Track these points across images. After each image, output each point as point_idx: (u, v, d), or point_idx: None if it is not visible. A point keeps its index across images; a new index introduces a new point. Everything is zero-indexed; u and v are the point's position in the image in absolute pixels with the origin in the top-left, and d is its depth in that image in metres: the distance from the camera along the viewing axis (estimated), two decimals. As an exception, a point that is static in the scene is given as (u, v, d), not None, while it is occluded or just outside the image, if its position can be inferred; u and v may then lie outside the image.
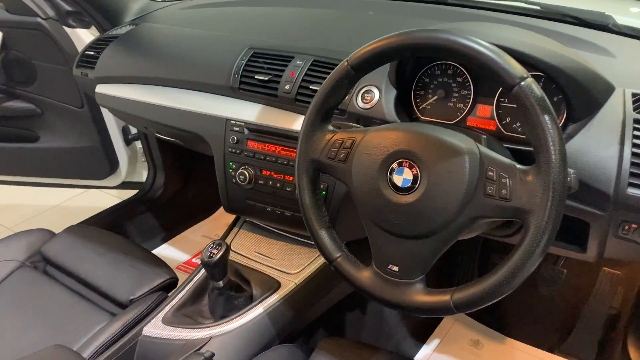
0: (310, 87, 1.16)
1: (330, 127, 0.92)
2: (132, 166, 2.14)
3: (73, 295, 1.29)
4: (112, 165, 2.06)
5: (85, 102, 1.91)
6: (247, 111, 1.26)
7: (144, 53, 1.47)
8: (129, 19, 1.67)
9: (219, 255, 1.11)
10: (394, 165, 0.81)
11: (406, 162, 0.80)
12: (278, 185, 1.23)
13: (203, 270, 1.24)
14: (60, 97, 1.92)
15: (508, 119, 1.01)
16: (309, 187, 0.93)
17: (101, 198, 2.45)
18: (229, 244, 1.29)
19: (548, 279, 1.67)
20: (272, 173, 1.24)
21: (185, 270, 1.87)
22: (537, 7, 1.27)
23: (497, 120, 1.02)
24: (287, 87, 1.19)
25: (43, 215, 2.38)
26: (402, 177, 0.81)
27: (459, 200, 0.76)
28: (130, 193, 2.16)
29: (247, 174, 1.25)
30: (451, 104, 1.07)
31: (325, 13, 1.41)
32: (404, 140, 0.81)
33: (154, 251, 1.98)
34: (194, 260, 1.93)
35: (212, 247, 1.12)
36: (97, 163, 2.04)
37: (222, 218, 2.19)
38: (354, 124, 1.06)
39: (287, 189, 1.22)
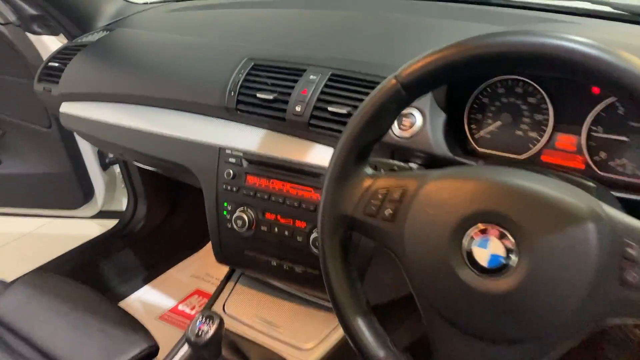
0: (329, 108, 0.90)
1: (369, 171, 0.66)
2: (110, 193, 1.86)
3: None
4: (87, 193, 1.79)
5: (53, 121, 1.63)
6: (247, 138, 1.00)
7: (119, 64, 1.21)
8: (102, 24, 1.40)
9: (210, 334, 0.83)
10: (474, 232, 0.55)
11: (494, 228, 0.54)
12: (286, 233, 0.96)
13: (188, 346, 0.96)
14: (25, 116, 1.65)
15: (603, 155, 0.75)
16: (338, 254, 0.66)
17: (81, 223, 2.15)
18: (222, 304, 1.02)
19: (618, 342, 1.38)
20: (279, 217, 0.97)
21: (170, 321, 1.58)
22: (608, 8, 1.02)
23: (587, 156, 0.76)
24: (298, 109, 0.93)
25: (9, 247, 2.08)
26: (488, 251, 0.54)
27: (583, 293, 0.50)
28: (109, 223, 1.87)
29: (246, 218, 0.98)
30: (520, 132, 0.81)
31: (340, 15, 1.15)
32: (488, 194, 0.55)
33: (134, 295, 1.70)
34: (180, 307, 1.65)
35: (201, 321, 0.85)
36: (69, 191, 1.77)
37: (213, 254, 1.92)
38: (396, 162, 0.79)
39: (298, 239, 0.95)
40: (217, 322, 0.84)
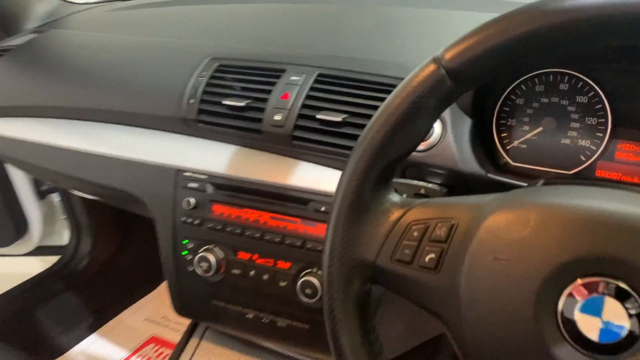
0: (318, 115, 0.70)
1: (395, 197, 0.46)
2: (49, 226, 1.60)
3: None
4: (20, 227, 1.52)
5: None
6: (212, 157, 0.79)
7: (50, 71, 0.98)
8: (31, 26, 1.17)
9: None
10: (576, 290, 0.36)
11: (608, 283, 0.35)
12: (265, 277, 0.75)
13: None
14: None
15: (683, 167, 0.58)
16: (354, 318, 0.46)
17: (14, 262, 1.87)
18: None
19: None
20: (255, 257, 0.76)
21: (121, 378, 1.34)
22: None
23: (661, 170, 0.59)
24: (277, 117, 0.73)
25: None
26: (601, 319, 0.35)
27: None
28: (49, 260, 1.61)
29: (212, 259, 0.77)
30: (567, 141, 0.63)
31: (321, 8, 0.96)
32: (594, 231, 0.36)
33: (78, 347, 1.44)
34: (133, 359, 1.40)
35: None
36: (-3, 225, 1.49)
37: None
38: (421, 182, 0.60)
39: (281, 284, 0.74)
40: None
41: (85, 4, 1.28)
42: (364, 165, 0.44)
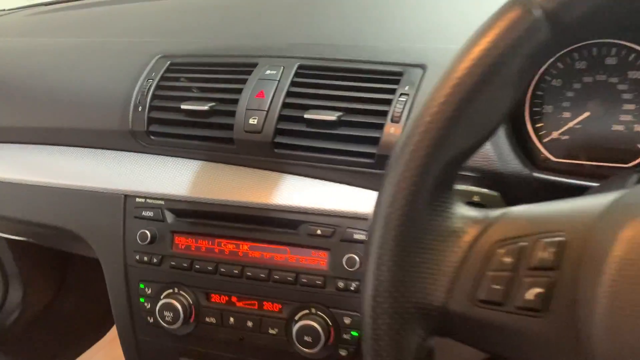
0: (306, 115, 0.56)
1: (464, 210, 0.32)
2: (-31, 276, 1.35)
3: None
4: None
5: None
6: (169, 176, 0.63)
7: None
8: None
9: None
10: None
11: None
12: (249, 324, 0.59)
13: None
14: None
15: None
16: None
17: None
18: None
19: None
20: (234, 299, 0.60)
21: None
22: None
23: None
24: (253, 121, 0.58)
25: None
26: None
27: None
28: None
29: (178, 306, 0.60)
30: (619, 128, 0.51)
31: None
32: None
33: (9, 418, 1.20)
34: None
35: None
36: None
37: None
38: (474, 188, 0.46)
39: (271, 331, 0.59)
40: None
41: (2, 10, 1.09)
42: (418, 165, 0.30)
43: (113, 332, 1.48)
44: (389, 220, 0.30)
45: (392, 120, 0.53)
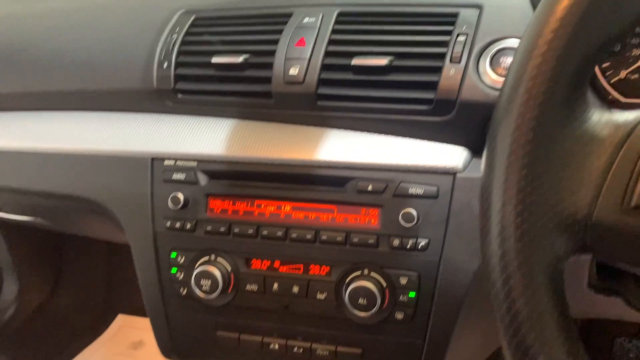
0: (354, 62, 0.52)
1: (611, 116, 0.28)
2: (-42, 272, 1.28)
3: None
4: None
5: None
6: (201, 136, 0.58)
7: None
8: None
9: None
10: None
11: None
12: (295, 289, 0.55)
13: None
14: None
15: None
16: (551, 317, 0.27)
17: None
18: None
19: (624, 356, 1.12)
20: (277, 264, 0.56)
21: None
22: None
23: None
24: (293, 72, 0.54)
25: None
26: None
27: None
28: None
29: (217, 274, 0.55)
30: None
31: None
32: None
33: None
34: None
35: None
36: None
37: (123, 335, 1.39)
38: None
39: (319, 296, 0.55)
40: None
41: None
42: (555, 56, 0.26)
43: (112, 329, 1.42)
44: (521, 123, 0.26)
45: (451, 61, 0.50)
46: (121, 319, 1.43)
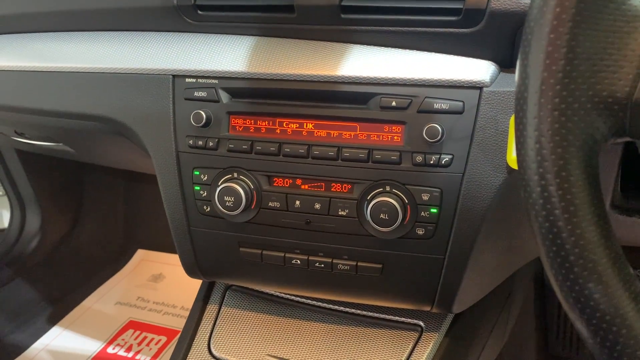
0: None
1: None
2: (-18, 206, 1.32)
3: None
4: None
5: None
6: (222, 53, 0.58)
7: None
8: None
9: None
10: None
11: None
12: (317, 206, 0.56)
13: None
14: None
15: None
16: (592, 198, 0.27)
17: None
18: (206, 343, 0.61)
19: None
20: (299, 181, 0.56)
21: (99, 372, 1.10)
22: None
23: None
24: (316, -15, 0.52)
25: None
26: None
27: None
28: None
29: (240, 191, 0.56)
30: None
31: None
32: None
33: (38, 343, 1.19)
34: (111, 349, 1.16)
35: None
36: None
37: (143, 268, 1.42)
38: None
39: (341, 212, 0.55)
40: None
41: None
42: None
43: (133, 263, 1.45)
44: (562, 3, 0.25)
45: (482, -31, 0.48)
46: (141, 254, 1.46)
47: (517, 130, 0.28)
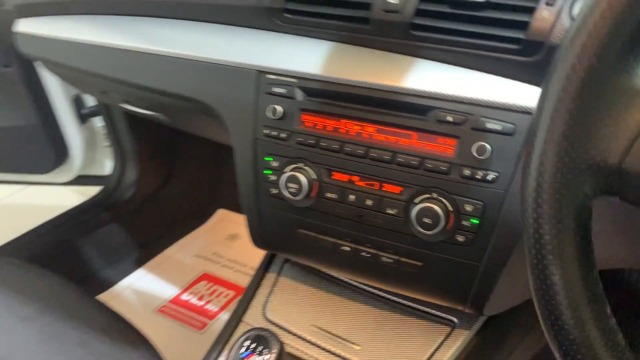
0: (453, -7, 0.54)
1: None
2: (91, 154, 1.49)
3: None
4: (60, 153, 1.42)
5: (14, 56, 1.25)
6: (302, 55, 0.64)
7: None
8: None
9: (265, 370, 0.49)
10: None
11: None
12: (368, 202, 0.61)
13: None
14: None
15: None
16: (571, 244, 0.31)
17: (53, 191, 1.78)
18: (262, 307, 0.69)
19: None
20: (356, 178, 0.62)
21: (172, 315, 1.24)
22: None
23: None
24: (394, 0, 0.57)
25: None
26: None
27: None
28: (90, 191, 1.50)
29: (303, 180, 0.63)
30: None
31: None
32: None
33: (124, 282, 1.35)
34: (184, 296, 1.30)
35: (248, 350, 0.50)
36: (37, 150, 1.39)
37: (222, 227, 1.56)
38: None
39: (389, 211, 0.61)
40: (275, 351, 0.50)
41: None
42: (613, 16, 0.29)
43: (213, 221, 1.59)
44: (573, 71, 0.30)
45: (546, 4, 0.50)
46: (221, 213, 1.59)
47: (523, 174, 0.32)
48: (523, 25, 0.52)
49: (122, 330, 0.79)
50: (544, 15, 0.51)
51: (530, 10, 0.51)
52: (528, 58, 0.52)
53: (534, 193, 0.31)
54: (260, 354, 0.50)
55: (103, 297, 1.30)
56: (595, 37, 0.29)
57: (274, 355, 0.49)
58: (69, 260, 1.32)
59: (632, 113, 0.29)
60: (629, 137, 0.29)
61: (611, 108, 0.30)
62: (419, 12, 0.56)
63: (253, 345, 0.50)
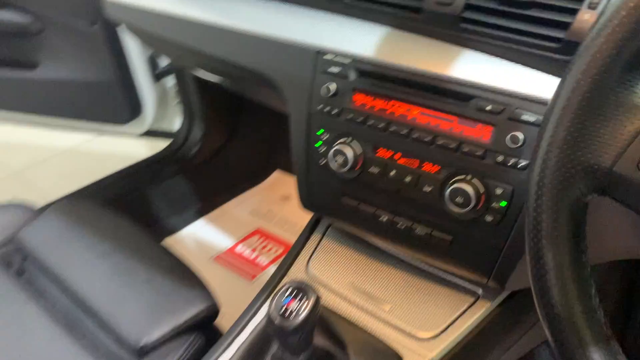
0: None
1: None
2: (162, 110, 1.60)
3: (56, 325, 0.80)
4: (134, 107, 1.53)
5: (99, 17, 1.36)
6: (358, 38, 0.70)
7: None
8: None
9: (302, 316, 0.57)
10: None
11: None
12: (407, 179, 0.67)
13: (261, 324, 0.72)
14: (66, 7, 1.37)
15: None
16: (567, 235, 0.37)
17: (127, 142, 1.93)
18: (306, 261, 0.77)
19: None
20: (398, 156, 0.68)
21: (227, 264, 1.36)
22: None
23: None
24: (444, -7, 0.61)
25: (48, 164, 1.89)
26: None
27: None
28: (157, 146, 1.63)
29: (349, 154, 0.69)
30: None
31: None
32: None
33: (185, 230, 1.48)
34: (238, 248, 1.41)
35: (289, 297, 0.59)
36: (114, 103, 1.52)
37: (277, 187, 1.65)
38: None
39: (425, 189, 0.66)
40: (312, 300, 0.58)
41: None
42: (618, 37, 0.33)
43: (269, 181, 1.68)
44: (578, 86, 0.34)
45: (589, 7, 0.54)
46: (278, 174, 1.68)
47: (529, 168, 0.38)
48: (565, 26, 0.55)
49: (183, 272, 0.90)
50: (585, 17, 0.54)
51: (573, 12, 0.55)
52: (565, 57, 0.56)
53: (536, 186, 0.36)
54: (300, 300, 0.57)
55: (167, 241, 1.43)
56: (599, 58, 0.33)
57: (311, 302, 0.57)
58: (139, 206, 1.45)
59: (627, 125, 0.34)
60: (621, 145, 0.34)
61: (609, 119, 0.34)
62: (468, 6, 0.60)
63: (294, 293, 0.58)
